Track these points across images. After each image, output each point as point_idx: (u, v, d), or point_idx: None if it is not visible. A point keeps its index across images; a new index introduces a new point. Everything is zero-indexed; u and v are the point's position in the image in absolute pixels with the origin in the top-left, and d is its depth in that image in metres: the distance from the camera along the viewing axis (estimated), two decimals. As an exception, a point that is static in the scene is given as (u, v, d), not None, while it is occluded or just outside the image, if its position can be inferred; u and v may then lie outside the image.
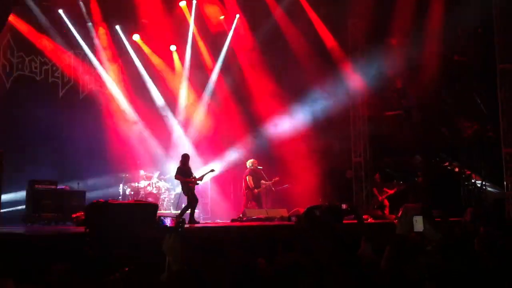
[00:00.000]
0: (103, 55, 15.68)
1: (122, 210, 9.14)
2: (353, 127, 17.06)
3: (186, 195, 12.37)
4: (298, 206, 13.89)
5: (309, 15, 16.37)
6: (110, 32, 15.74)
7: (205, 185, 15.51)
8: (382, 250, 3.78)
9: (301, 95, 16.26)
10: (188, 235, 8.10)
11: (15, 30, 14.02)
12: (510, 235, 5.61)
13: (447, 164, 16.39)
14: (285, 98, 16.25)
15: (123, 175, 14.88)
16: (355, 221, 4.41)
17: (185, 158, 12.51)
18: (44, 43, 14.60)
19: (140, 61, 16.32)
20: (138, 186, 14.61)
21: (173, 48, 16.85)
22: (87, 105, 15.30)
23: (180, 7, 16.44)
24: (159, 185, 15.02)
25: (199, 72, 17.05)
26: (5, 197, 12.52)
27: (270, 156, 15.83)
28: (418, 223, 4.08)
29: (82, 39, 15.21)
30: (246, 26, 16.91)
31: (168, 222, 9.63)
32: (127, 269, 3.62)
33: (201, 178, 12.65)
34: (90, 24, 15.35)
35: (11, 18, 13.34)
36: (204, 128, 16.79)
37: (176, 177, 12.47)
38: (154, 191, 14.78)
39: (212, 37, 17.08)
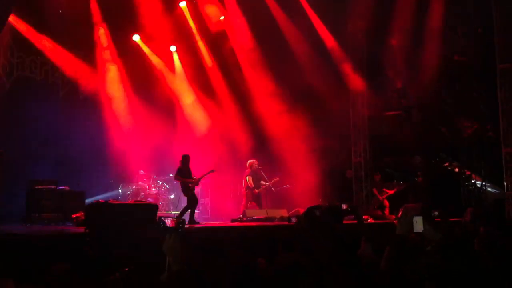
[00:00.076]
0: (103, 55, 15.67)
1: (122, 210, 9.15)
2: (353, 127, 17.07)
3: (186, 196, 12.37)
4: (298, 206, 13.89)
5: (309, 15, 16.36)
6: (110, 32, 15.74)
7: (206, 186, 15.52)
8: (382, 250, 3.78)
9: (301, 95, 16.24)
10: (188, 235, 8.10)
11: (15, 31, 14.01)
12: (510, 235, 5.61)
13: (447, 164, 16.39)
14: (285, 98, 16.24)
15: (123, 175, 14.87)
16: (355, 221, 4.41)
17: (185, 158, 12.51)
18: (44, 43, 14.58)
19: (140, 61, 16.32)
20: (138, 186, 14.60)
21: (173, 48, 16.86)
22: (87, 105, 15.28)
23: (180, 8, 16.43)
24: (159, 185, 15.02)
25: (199, 72, 17.05)
26: (5, 197, 12.55)
27: (270, 156, 15.83)
28: (418, 224, 4.08)
29: (82, 40, 15.20)
30: (246, 26, 16.90)
31: (168, 222, 9.64)
32: (127, 269, 3.62)
33: (201, 179, 12.66)
34: (90, 24, 15.34)
35: (11, 18, 13.32)
36: (204, 128, 16.78)
37: (176, 177, 12.47)
38: (154, 191, 14.79)
39: (212, 37, 17.08)
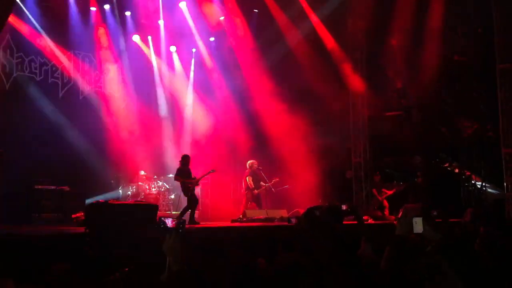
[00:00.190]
0: (103, 55, 15.68)
1: (122, 210, 9.14)
2: (353, 127, 17.07)
3: (186, 196, 12.37)
4: (298, 206, 13.89)
5: (309, 15, 16.37)
6: (110, 32, 15.74)
7: (206, 186, 15.52)
8: (382, 250, 3.78)
9: (301, 95, 16.25)
10: (189, 236, 8.10)
11: (15, 31, 14.00)
12: (510, 235, 5.61)
13: (447, 165, 16.38)
14: (285, 98, 16.24)
15: (123, 176, 14.87)
16: (355, 222, 4.41)
17: (185, 159, 12.50)
18: (44, 44, 14.58)
19: (140, 61, 16.32)
20: (138, 186, 14.60)
21: (173, 49, 16.86)
22: (87, 105, 15.29)
23: (180, 8, 16.44)
24: (159, 185, 15.01)
25: (199, 72, 17.06)
26: (4, 196, 12.54)
27: (270, 157, 15.82)
28: (418, 225, 4.08)
29: (82, 39, 15.20)
30: (246, 26, 16.91)
31: (168, 222, 9.62)
32: (127, 269, 3.62)
33: (201, 179, 12.65)
34: (90, 24, 15.34)
35: (11, 18, 13.32)
36: (204, 128, 16.79)
37: (176, 178, 12.47)
38: (154, 191, 14.78)
39: (212, 37, 17.10)
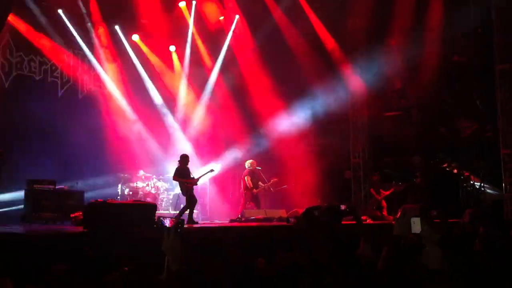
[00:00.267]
0: (103, 54, 15.66)
1: (121, 210, 9.15)
2: (352, 128, 17.07)
3: (184, 196, 12.37)
4: (296, 206, 13.88)
5: (308, 15, 16.37)
6: (109, 32, 15.73)
7: (204, 186, 15.51)
8: (381, 250, 3.78)
9: (300, 95, 16.25)
10: (187, 235, 8.10)
11: (14, 30, 13.98)
12: (508, 235, 5.62)
13: (446, 165, 16.39)
14: (284, 98, 16.25)
15: (122, 175, 14.86)
16: (354, 222, 4.42)
17: (184, 158, 12.50)
18: (43, 43, 14.56)
19: (139, 61, 16.32)
20: (136, 186, 14.59)
21: (172, 48, 16.86)
22: (86, 105, 15.28)
23: (179, 7, 16.44)
24: (158, 185, 15.00)
25: (198, 72, 17.06)
26: (4, 196, 12.54)
27: (269, 157, 15.82)
28: (416, 225, 4.08)
29: (82, 39, 15.20)
30: (246, 26, 16.91)
31: (167, 222, 9.62)
32: (126, 268, 3.62)
33: (199, 179, 12.65)
34: (89, 23, 15.34)
35: (11, 17, 13.31)
36: (203, 128, 16.79)
37: (175, 178, 12.47)
38: (153, 191, 14.77)
39: (211, 36, 17.09)
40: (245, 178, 14.20)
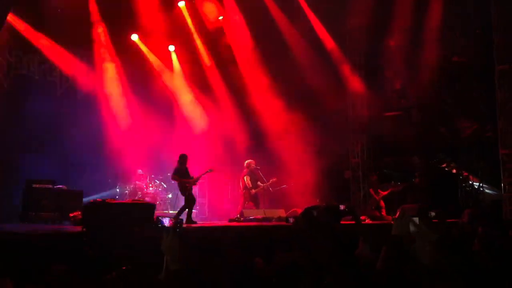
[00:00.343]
0: (102, 54, 15.65)
1: (120, 209, 9.14)
2: (351, 128, 17.07)
3: (183, 195, 12.37)
4: (295, 206, 13.88)
5: (308, 15, 16.36)
6: (108, 31, 15.72)
7: (203, 185, 15.51)
8: (380, 250, 3.78)
9: (299, 94, 16.25)
10: (186, 235, 8.10)
11: (13, 29, 13.98)
12: (507, 235, 5.63)
13: (444, 165, 16.39)
14: (283, 98, 16.24)
15: (121, 175, 14.86)
16: (353, 222, 4.42)
17: (183, 158, 12.50)
18: (42, 42, 14.56)
19: (138, 60, 16.31)
20: (135, 185, 14.59)
21: (171, 48, 16.85)
22: (85, 104, 15.26)
23: (178, 7, 16.43)
24: (157, 184, 15.00)
25: (197, 71, 17.05)
26: (3, 196, 12.54)
27: (268, 156, 15.81)
28: (414, 225, 4.08)
29: (81, 38, 15.18)
30: (245, 26, 16.90)
31: (166, 222, 9.63)
32: (124, 267, 3.61)
33: (198, 179, 12.65)
34: (88, 23, 15.32)
35: (10, 17, 13.31)
36: (202, 127, 16.78)
37: (173, 177, 12.47)
38: (152, 190, 14.77)
39: (210, 36, 17.09)
40: (244, 178, 14.21)
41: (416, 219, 4.06)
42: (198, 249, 4.41)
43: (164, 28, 16.09)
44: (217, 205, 16.21)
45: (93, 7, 15.29)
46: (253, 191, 14.13)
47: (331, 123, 16.46)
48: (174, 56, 16.96)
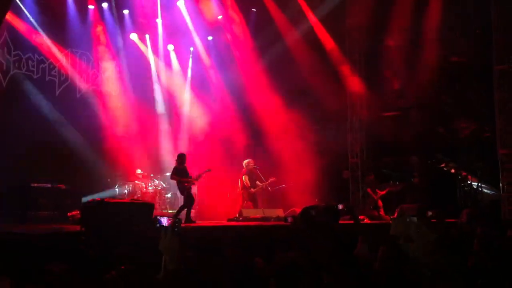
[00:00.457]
0: (101, 53, 15.65)
1: (118, 209, 9.13)
2: (350, 127, 17.07)
3: (182, 195, 12.37)
4: (294, 206, 13.90)
5: (307, 15, 16.36)
6: (107, 30, 15.71)
7: (202, 185, 15.50)
8: (378, 250, 3.78)
9: (299, 94, 16.25)
10: (185, 235, 8.09)
11: (12, 28, 13.97)
12: (506, 235, 5.63)
13: (443, 165, 16.39)
14: (283, 98, 16.24)
15: (119, 174, 14.85)
16: (351, 222, 4.42)
17: (181, 157, 12.50)
18: (41, 41, 14.55)
19: (138, 60, 16.31)
20: (134, 185, 14.58)
21: (170, 47, 16.85)
22: (84, 103, 15.26)
23: (177, 6, 16.42)
24: (156, 184, 15.00)
25: (197, 70, 17.05)
26: (2, 195, 12.51)
27: (267, 156, 15.82)
28: (413, 225, 4.08)
29: (80, 37, 15.18)
30: (244, 25, 16.91)
31: (164, 221, 9.62)
32: (123, 267, 3.61)
33: (197, 178, 12.64)
34: (87, 22, 15.32)
35: (8, 16, 13.29)
36: (201, 126, 16.78)
37: (172, 177, 12.47)
38: (151, 190, 14.77)
39: (210, 35, 17.09)
40: (243, 177, 14.21)
41: (414, 219, 4.06)
42: (197, 249, 4.41)
43: (163, 27, 16.10)
44: (216, 204, 16.19)
45: (92, 6, 15.28)
46: (252, 190, 14.13)
47: (330, 123, 16.47)
48: (173, 55, 16.96)
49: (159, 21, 16.29)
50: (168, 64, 16.98)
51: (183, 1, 16.37)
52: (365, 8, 15.31)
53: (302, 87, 16.12)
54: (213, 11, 16.64)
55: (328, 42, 16.57)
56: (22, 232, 8.66)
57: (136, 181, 14.72)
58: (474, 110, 15.62)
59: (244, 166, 14.35)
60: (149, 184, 14.90)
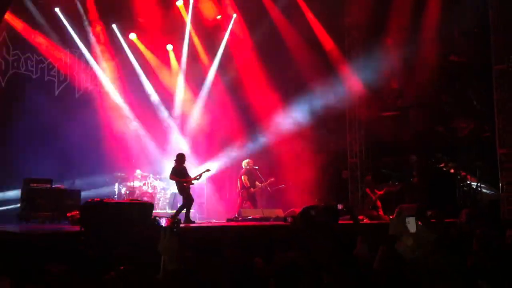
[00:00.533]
0: (100, 53, 15.64)
1: (118, 209, 9.12)
2: (349, 127, 17.07)
3: (181, 195, 12.36)
4: (293, 206, 13.90)
5: (306, 15, 16.37)
6: (106, 30, 15.71)
7: (201, 185, 15.50)
8: (377, 250, 3.78)
9: (298, 94, 16.25)
10: (184, 235, 8.09)
11: (11, 28, 13.96)
12: (505, 235, 5.63)
13: (442, 165, 16.40)
14: (282, 97, 16.25)
15: (119, 174, 14.84)
16: (351, 222, 4.42)
17: (180, 158, 12.48)
18: (40, 41, 14.54)
19: (137, 59, 16.31)
20: (133, 185, 14.57)
21: (169, 47, 16.84)
22: (83, 103, 15.25)
23: (176, 6, 16.42)
24: (155, 184, 14.99)
25: (196, 70, 17.04)
26: (1, 196, 12.52)
27: (266, 156, 15.82)
28: (411, 225, 4.08)
29: (78, 37, 15.18)
30: (243, 25, 16.91)
31: (163, 222, 9.63)
32: (122, 267, 3.61)
33: (196, 178, 12.64)
34: (86, 22, 15.31)
35: (7, 16, 13.28)
36: (200, 126, 16.78)
37: (171, 177, 12.45)
38: (150, 190, 14.76)
39: (209, 35, 17.08)
40: (242, 177, 14.21)
41: (413, 219, 4.06)
42: (196, 249, 4.41)
43: (162, 27, 16.09)
44: (215, 204, 16.21)
45: (91, 6, 15.26)
46: (252, 190, 14.13)
47: (329, 122, 16.47)
48: (172, 55, 16.96)
49: (158, 20, 16.25)
50: (167, 64, 16.96)
51: (182, 1, 16.36)
52: (364, 7, 15.31)
53: (302, 86, 16.12)
54: (212, 11, 16.63)
55: (327, 41, 16.57)
56: (22, 232, 8.66)
57: (135, 181, 14.71)
58: (473, 109, 15.63)
59: (244, 166, 14.35)
60: (148, 184, 14.88)
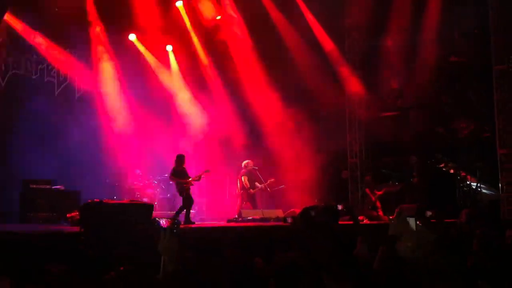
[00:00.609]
0: (99, 54, 15.63)
1: (117, 210, 9.13)
2: (349, 128, 17.06)
3: (181, 196, 12.36)
4: (293, 206, 13.89)
5: (306, 16, 16.35)
6: (106, 31, 15.70)
7: (201, 186, 15.49)
8: (377, 250, 3.79)
9: (297, 95, 16.25)
10: (184, 236, 8.09)
11: (11, 29, 13.96)
12: (505, 235, 5.63)
13: (442, 165, 16.39)
14: (281, 97, 16.23)
15: (119, 175, 14.83)
16: (351, 222, 4.42)
17: (180, 158, 12.48)
18: (40, 42, 14.54)
19: (136, 60, 16.29)
20: (133, 186, 14.57)
21: (169, 48, 16.83)
22: (83, 104, 15.25)
23: (176, 6, 16.42)
24: (155, 185, 14.98)
25: (195, 70, 17.03)
26: (1, 196, 12.52)
27: (266, 156, 15.81)
28: (411, 225, 4.08)
29: (78, 38, 15.16)
30: (243, 25, 16.89)
31: (163, 222, 9.63)
32: (122, 268, 3.61)
33: (196, 179, 12.63)
34: (86, 23, 15.30)
35: (7, 16, 13.29)
36: (200, 126, 16.76)
37: (171, 178, 12.46)
38: (150, 191, 14.75)
39: (208, 36, 17.07)
40: (242, 178, 14.21)
41: (413, 219, 4.06)
42: (196, 250, 4.41)
43: (162, 28, 16.08)
44: (215, 205, 16.19)
45: (90, 7, 15.26)
46: (252, 191, 14.13)
47: (329, 123, 16.46)
48: (171, 55, 16.95)
49: (157, 21, 16.25)
50: (167, 64, 16.95)
51: (182, 1, 16.35)
52: (364, 8, 15.29)
53: (301, 87, 16.11)
54: (212, 11, 16.62)
55: (327, 42, 16.55)
56: (22, 232, 8.66)
57: (135, 182, 14.70)
58: (473, 110, 15.63)
59: (243, 167, 14.35)
60: (148, 185, 14.87)
